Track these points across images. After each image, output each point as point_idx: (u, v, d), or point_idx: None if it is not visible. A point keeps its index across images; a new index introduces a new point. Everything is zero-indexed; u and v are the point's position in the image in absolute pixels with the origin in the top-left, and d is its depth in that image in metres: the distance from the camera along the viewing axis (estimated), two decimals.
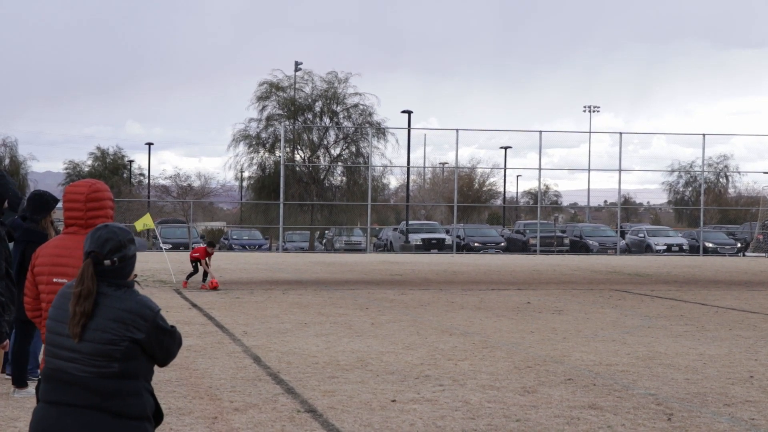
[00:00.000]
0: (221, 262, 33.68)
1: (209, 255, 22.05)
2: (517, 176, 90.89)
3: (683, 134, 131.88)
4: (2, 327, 6.64)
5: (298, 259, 37.60)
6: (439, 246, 50.31)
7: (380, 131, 53.65)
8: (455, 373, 10.06)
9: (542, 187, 67.26)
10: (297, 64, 55.36)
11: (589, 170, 57.00)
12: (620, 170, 50.89)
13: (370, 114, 54.25)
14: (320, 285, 23.02)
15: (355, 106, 54.53)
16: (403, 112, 55.53)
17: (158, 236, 34.90)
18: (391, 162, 54.72)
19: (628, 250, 51.71)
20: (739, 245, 51.88)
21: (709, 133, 64.14)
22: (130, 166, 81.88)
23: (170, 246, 43.76)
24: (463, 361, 10.84)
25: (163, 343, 3.86)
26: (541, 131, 50.86)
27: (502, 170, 76.22)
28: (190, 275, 22.21)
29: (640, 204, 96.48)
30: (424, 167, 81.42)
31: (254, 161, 54.36)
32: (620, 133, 51.76)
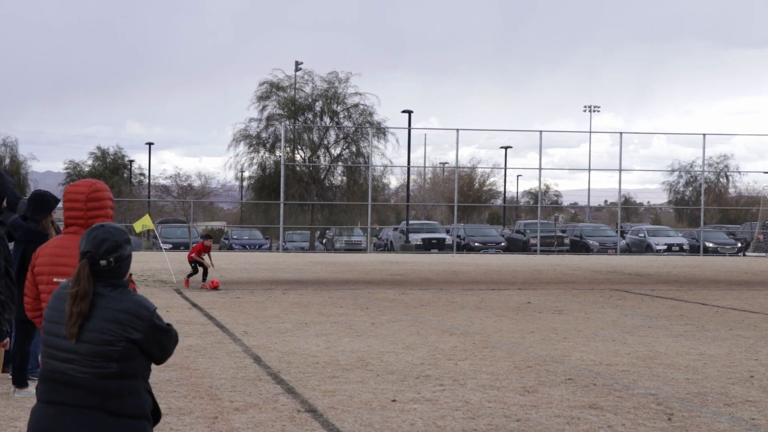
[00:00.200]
0: (222, 262, 33.69)
1: (207, 249, 22.09)
2: (518, 176, 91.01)
3: (683, 134, 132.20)
4: (2, 325, 6.64)
5: (298, 259, 37.60)
6: (440, 246, 50.31)
7: (380, 131, 53.66)
8: (455, 372, 10.06)
9: (542, 187, 67.28)
10: (297, 63, 55.38)
11: (589, 170, 57.00)
12: (620, 170, 50.89)
13: (371, 114, 54.31)
14: (320, 285, 23.02)
15: (356, 105, 54.56)
16: (404, 111, 55.56)
17: (158, 236, 34.91)
18: (391, 162, 54.80)
19: (628, 250, 51.71)
20: (739, 245, 51.87)
21: (710, 133, 64.26)
22: (131, 165, 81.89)
23: (170, 246, 43.77)
24: (463, 361, 10.84)
25: (160, 342, 3.87)
26: (541, 131, 50.89)
27: (503, 170, 76.27)
28: (191, 275, 22.23)
29: (641, 204, 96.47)
30: (425, 167, 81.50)
31: (254, 161, 54.41)
32: (620, 133, 51.79)
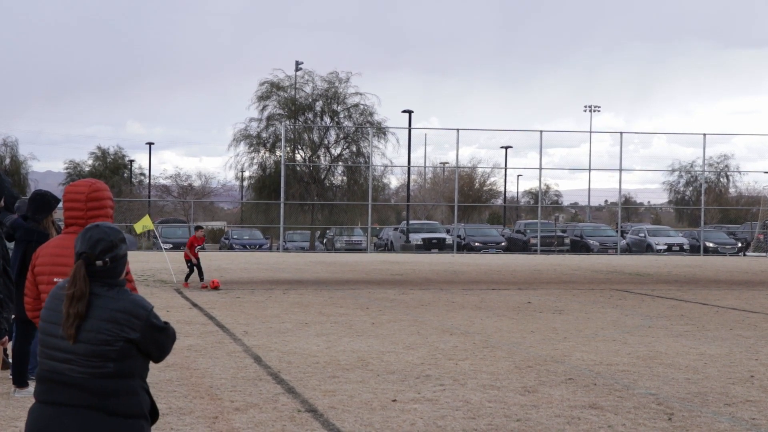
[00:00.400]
0: (222, 261, 33.69)
1: (200, 241, 22.17)
2: (518, 176, 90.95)
3: (684, 134, 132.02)
4: (1, 324, 6.64)
5: (298, 259, 37.60)
6: (440, 246, 50.31)
7: (381, 131, 53.65)
8: (456, 372, 10.06)
9: (543, 186, 67.24)
10: (298, 63, 55.37)
11: (589, 170, 56.96)
12: (621, 170, 50.88)
13: (371, 114, 54.30)
14: (321, 285, 23.02)
15: (356, 105, 54.56)
16: (404, 111, 55.55)
17: (158, 236, 34.90)
18: (391, 162, 54.78)
19: (628, 249, 51.71)
20: (739, 245, 51.87)
21: (710, 133, 64.23)
22: (131, 165, 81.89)
23: (170, 246, 43.75)
24: (463, 361, 10.84)
25: (158, 341, 3.87)
26: (541, 131, 50.86)
27: (503, 170, 76.24)
28: (188, 276, 22.27)
29: (641, 204, 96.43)
30: (425, 167, 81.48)
31: (255, 161, 54.40)
32: (621, 133, 51.77)
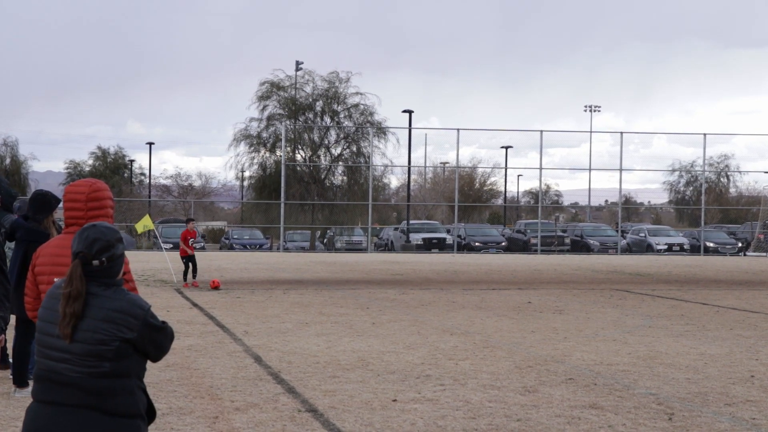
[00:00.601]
0: (222, 261, 33.70)
1: (193, 234, 22.24)
2: (518, 176, 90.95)
3: (684, 134, 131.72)
4: None
5: (298, 259, 37.60)
6: (440, 246, 50.31)
7: (381, 131, 53.64)
8: (456, 372, 10.06)
9: (543, 186, 67.31)
10: (298, 63, 55.35)
11: (590, 170, 56.94)
12: (621, 170, 50.88)
13: (371, 113, 54.27)
14: (321, 285, 23.03)
15: (356, 105, 54.54)
16: (404, 111, 55.56)
17: (158, 236, 34.90)
18: (391, 162, 54.77)
19: (629, 249, 51.71)
20: (740, 245, 51.87)
21: (710, 133, 64.25)
22: (131, 165, 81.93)
23: (171, 246, 43.73)
24: (464, 361, 10.84)
25: (155, 341, 3.87)
26: (542, 131, 50.85)
27: (503, 170, 76.23)
28: (185, 274, 22.32)
29: (641, 204, 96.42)
30: (425, 167, 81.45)
31: (255, 161, 54.38)
32: (621, 133, 51.77)
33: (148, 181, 78.77)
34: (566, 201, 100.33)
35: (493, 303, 18.42)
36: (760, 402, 8.71)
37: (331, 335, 13.05)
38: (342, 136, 54.90)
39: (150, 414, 3.96)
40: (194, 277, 21.95)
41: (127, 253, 4.20)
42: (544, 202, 71.51)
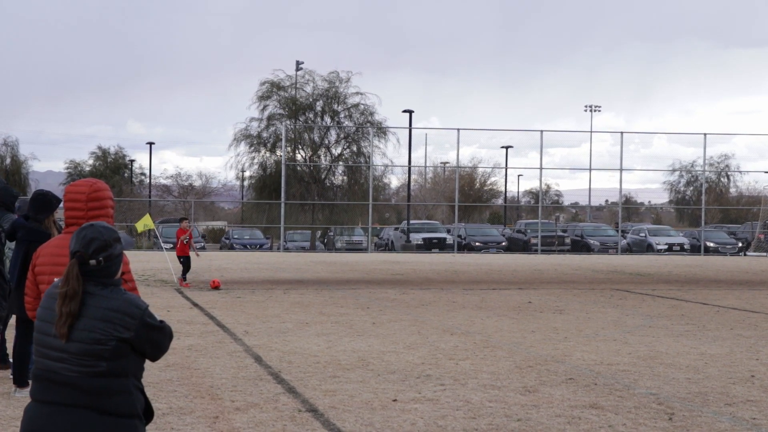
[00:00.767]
0: (223, 261, 33.70)
1: (187, 232, 22.27)
2: (519, 176, 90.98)
3: (684, 134, 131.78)
4: None
5: (299, 259, 37.60)
6: (441, 245, 50.30)
7: (381, 131, 53.64)
8: (456, 372, 10.06)
9: (543, 186, 67.32)
10: (298, 63, 55.35)
11: (590, 170, 56.95)
12: (621, 170, 50.87)
13: (371, 113, 54.26)
14: (321, 284, 23.03)
15: (356, 105, 54.53)
16: (404, 111, 55.57)
17: (159, 236, 34.90)
18: (392, 161, 54.76)
19: (629, 249, 51.71)
20: (740, 245, 51.86)
21: (710, 133, 64.17)
22: (132, 165, 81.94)
23: (171, 246, 43.71)
24: (464, 361, 10.84)
25: (153, 340, 3.87)
26: (542, 131, 50.83)
27: (504, 170, 76.25)
28: (184, 272, 22.35)
29: (642, 204, 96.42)
30: (426, 167, 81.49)
31: (255, 161, 54.38)
32: (621, 133, 51.75)
33: (148, 181, 78.81)
34: (566, 201, 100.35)
35: (493, 303, 18.42)
36: (761, 402, 8.71)
37: (332, 335, 13.05)
38: (342, 136, 54.90)
39: (148, 414, 3.96)
40: (182, 276, 22.08)
41: (127, 253, 4.20)
42: (544, 202, 71.52)
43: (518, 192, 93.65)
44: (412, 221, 55.77)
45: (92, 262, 3.85)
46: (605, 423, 7.72)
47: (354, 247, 52.07)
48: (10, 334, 9.52)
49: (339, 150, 55.05)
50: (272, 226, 51.96)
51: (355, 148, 54.76)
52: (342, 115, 54.76)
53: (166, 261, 27.03)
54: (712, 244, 51.03)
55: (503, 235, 55.19)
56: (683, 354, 11.62)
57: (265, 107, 54.17)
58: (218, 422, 7.59)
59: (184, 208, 69.92)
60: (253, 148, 54.08)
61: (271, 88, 54.17)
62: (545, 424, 7.67)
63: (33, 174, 74.13)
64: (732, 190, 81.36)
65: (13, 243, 8.87)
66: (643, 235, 53.35)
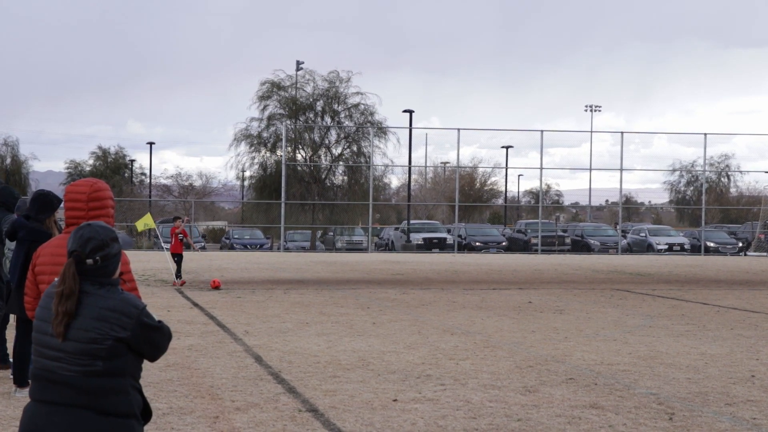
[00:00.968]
0: (223, 261, 33.70)
1: (181, 229, 22.32)
2: (519, 175, 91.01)
3: (684, 134, 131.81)
4: None
5: (299, 259, 37.60)
6: (441, 245, 50.30)
7: (381, 131, 53.66)
8: (457, 372, 10.06)
9: (543, 186, 67.26)
10: (298, 63, 55.36)
11: (590, 170, 56.94)
12: (621, 170, 50.88)
13: (372, 113, 54.28)
14: (322, 284, 23.02)
15: (357, 105, 54.55)
16: (405, 111, 55.57)
17: (159, 236, 34.90)
18: (392, 161, 54.79)
19: (629, 249, 51.70)
20: (740, 245, 51.86)
21: (711, 133, 64.25)
22: (132, 165, 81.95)
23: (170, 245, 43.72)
24: (464, 361, 10.84)
25: (151, 340, 3.86)
26: (542, 131, 50.84)
27: (504, 169, 76.28)
28: (178, 271, 22.41)
29: (642, 203, 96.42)
30: (426, 166, 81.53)
31: (255, 161, 54.40)
32: (621, 133, 51.75)
33: (148, 180, 78.82)
34: (567, 201, 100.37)
35: (493, 303, 18.42)
36: (761, 402, 8.71)
37: (332, 335, 13.05)
38: (342, 135, 54.91)
39: (145, 414, 3.96)
40: (176, 276, 22.15)
41: (127, 252, 4.20)
42: (544, 202, 71.51)
43: (518, 192, 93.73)
44: (412, 221, 55.77)
45: (89, 261, 3.85)
46: (605, 423, 7.72)
47: (354, 247, 52.08)
48: (11, 334, 9.52)
49: (339, 150, 55.07)
50: (272, 226, 51.98)
51: (355, 148, 54.78)
52: (342, 115, 54.77)
53: (167, 261, 27.03)
54: (712, 244, 51.03)
55: (503, 235, 55.19)
56: (683, 354, 11.62)
57: (265, 107, 54.23)
58: (218, 422, 7.59)
59: (185, 208, 69.93)
60: (253, 148, 54.12)
61: (272, 88, 54.18)
62: (545, 424, 7.68)
63: (33, 174, 74.19)
64: (732, 190, 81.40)
65: (13, 243, 8.87)
66: (643, 235, 53.35)
